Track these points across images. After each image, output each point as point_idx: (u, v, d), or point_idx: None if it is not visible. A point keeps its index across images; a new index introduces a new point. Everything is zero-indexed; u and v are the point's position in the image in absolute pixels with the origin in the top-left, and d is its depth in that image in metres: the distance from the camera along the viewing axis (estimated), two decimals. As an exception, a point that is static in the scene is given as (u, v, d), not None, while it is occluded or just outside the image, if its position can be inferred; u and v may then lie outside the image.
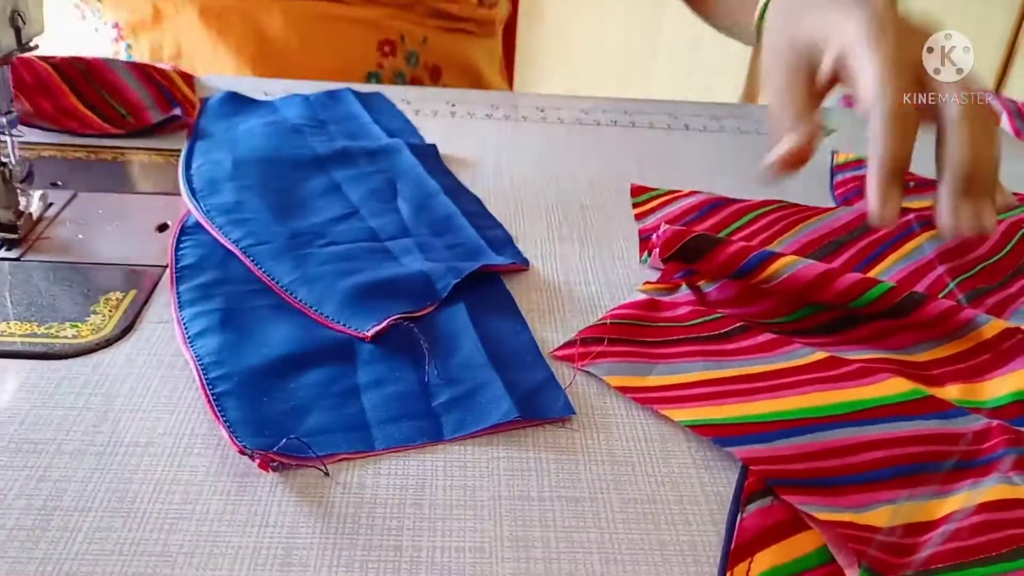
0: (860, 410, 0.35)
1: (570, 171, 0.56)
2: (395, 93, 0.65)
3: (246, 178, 0.49)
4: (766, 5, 0.52)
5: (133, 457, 0.31)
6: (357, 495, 0.30)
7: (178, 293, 0.40)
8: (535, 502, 0.31)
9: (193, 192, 0.47)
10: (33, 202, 0.45)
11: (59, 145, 0.50)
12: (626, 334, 0.39)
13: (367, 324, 0.38)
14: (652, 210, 0.52)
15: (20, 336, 0.37)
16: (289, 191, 0.49)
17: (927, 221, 0.50)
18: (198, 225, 0.45)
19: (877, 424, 0.34)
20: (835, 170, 0.58)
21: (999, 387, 0.38)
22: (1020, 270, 0.47)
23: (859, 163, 0.58)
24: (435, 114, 0.63)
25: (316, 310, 0.39)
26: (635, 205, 0.52)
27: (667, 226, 0.44)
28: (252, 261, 0.42)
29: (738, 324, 0.39)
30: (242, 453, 0.31)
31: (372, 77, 0.74)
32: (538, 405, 0.35)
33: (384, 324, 0.38)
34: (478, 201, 0.51)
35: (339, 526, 0.29)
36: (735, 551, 0.29)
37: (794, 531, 0.30)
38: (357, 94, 0.63)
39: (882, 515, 0.31)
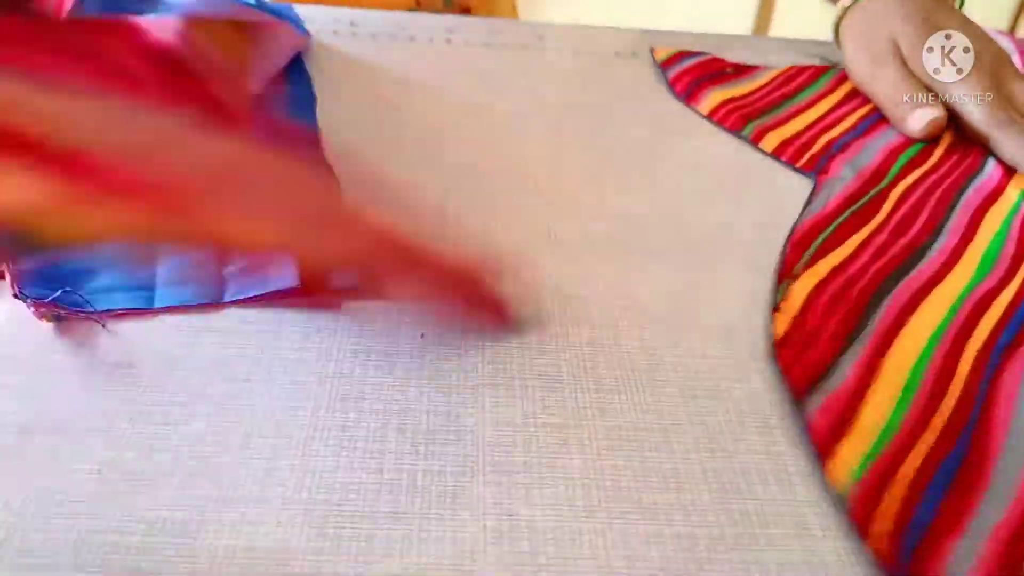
0: None
1: (565, 100, 0.54)
2: (393, 20, 0.63)
3: None
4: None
5: (114, 378, 0.31)
6: (341, 418, 0.30)
7: None
8: (519, 428, 0.30)
9: None
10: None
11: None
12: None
13: None
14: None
15: (1, 256, 0.36)
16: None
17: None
18: None
19: None
20: (663, 67, 0.58)
21: None
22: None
23: (680, 56, 0.60)
24: (431, 41, 0.61)
25: None
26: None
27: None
28: None
29: None
30: (16, 297, 0.33)
31: None
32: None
33: None
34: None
35: (320, 448, 0.29)
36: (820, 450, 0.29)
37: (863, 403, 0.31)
38: None
39: None
